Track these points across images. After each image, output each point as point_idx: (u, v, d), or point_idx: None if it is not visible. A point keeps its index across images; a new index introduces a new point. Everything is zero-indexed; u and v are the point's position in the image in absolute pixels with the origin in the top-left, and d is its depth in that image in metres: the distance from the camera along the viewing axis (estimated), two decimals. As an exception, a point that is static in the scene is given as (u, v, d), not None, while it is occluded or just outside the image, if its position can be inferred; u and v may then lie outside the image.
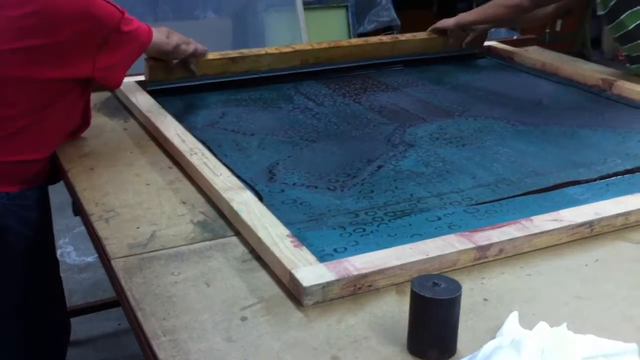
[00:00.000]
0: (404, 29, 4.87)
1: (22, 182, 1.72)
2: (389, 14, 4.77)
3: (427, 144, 1.86)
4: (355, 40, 2.48)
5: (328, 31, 4.58)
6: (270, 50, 2.30)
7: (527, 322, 1.06)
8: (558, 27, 5.96)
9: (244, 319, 1.09)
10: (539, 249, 1.31)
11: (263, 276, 1.21)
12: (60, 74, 1.64)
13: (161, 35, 1.92)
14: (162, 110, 1.92)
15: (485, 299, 1.16)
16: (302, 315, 1.11)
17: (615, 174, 1.66)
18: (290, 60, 2.32)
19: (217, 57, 2.20)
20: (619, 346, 0.99)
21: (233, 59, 2.22)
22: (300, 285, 1.13)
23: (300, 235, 1.33)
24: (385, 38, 2.52)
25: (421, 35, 2.54)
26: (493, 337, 1.04)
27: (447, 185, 1.60)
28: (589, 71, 2.40)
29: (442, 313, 0.99)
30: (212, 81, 2.25)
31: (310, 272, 1.16)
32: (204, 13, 4.01)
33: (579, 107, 2.18)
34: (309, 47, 2.37)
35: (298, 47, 2.37)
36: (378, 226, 1.42)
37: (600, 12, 2.29)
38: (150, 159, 1.70)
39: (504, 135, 1.92)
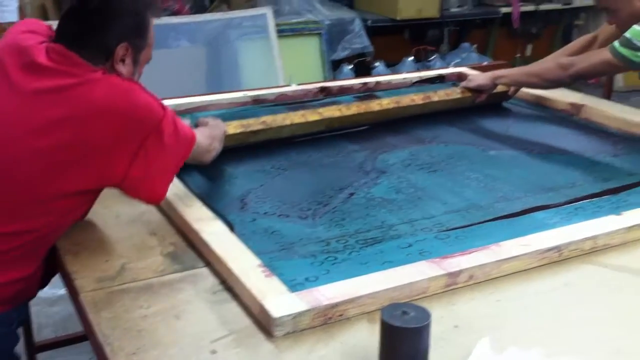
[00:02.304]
0: (377, 55, 4.92)
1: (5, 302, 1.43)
2: (362, 41, 4.81)
3: (398, 170, 1.87)
4: (387, 102, 2.20)
5: (302, 58, 4.61)
6: (296, 118, 2.05)
7: (498, 348, 1.06)
8: (529, 52, 6.06)
9: (213, 352, 1.09)
10: (508, 274, 1.32)
11: (233, 307, 1.21)
12: (85, 184, 1.38)
13: (204, 138, 1.62)
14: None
15: (456, 326, 1.17)
16: (272, 347, 1.10)
17: (583, 198, 1.68)
18: (316, 127, 2.08)
19: (238, 130, 1.93)
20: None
21: (255, 132, 1.96)
22: (270, 315, 1.12)
23: (272, 265, 1.32)
24: (417, 98, 2.26)
25: (454, 94, 2.35)
26: (463, 365, 1.04)
27: (418, 212, 1.61)
28: (558, 96, 2.44)
29: (412, 341, 0.99)
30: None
31: (281, 302, 1.16)
32: (178, 42, 4.02)
33: (548, 132, 2.21)
34: (338, 113, 2.11)
35: (326, 112, 2.09)
36: (349, 254, 1.42)
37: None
38: (120, 191, 1.69)
39: (475, 160, 1.94)
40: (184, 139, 1.47)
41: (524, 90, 2.50)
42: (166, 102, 2.27)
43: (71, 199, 1.39)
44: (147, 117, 1.36)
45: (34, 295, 1.52)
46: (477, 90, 2.36)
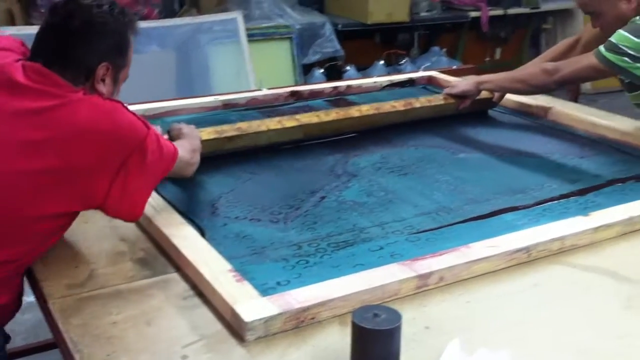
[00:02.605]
0: (348, 59, 4.94)
1: None
2: (332, 45, 4.83)
3: (369, 173, 1.88)
4: (366, 108, 2.14)
5: (273, 63, 4.61)
6: (272, 124, 1.98)
7: (468, 349, 1.07)
8: (498, 56, 6.12)
9: (184, 357, 1.08)
10: (478, 276, 1.33)
11: (205, 313, 1.20)
12: (68, 206, 1.34)
13: (186, 152, 1.60)
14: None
15: (427, 327, 1.17)
16: (244, 352, 1.10)
17: (551, 199, 1.70)
18: (294, 133, 2.01)
19: (212, 136, 1.88)
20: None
21: (230, 138, 1.91)
22: (242, 320, 1.12)
23: (243, 270, 1.32)
24: (398, 105, 2.19)
25: (436, 100, 2.29)
26: (434, 366, 1.05)
27: (389, 215, 1.62)
28: (525, 98, 2.47)
29: (383, 343, 1.00)
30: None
31: (252, 306, 1.15)
32: (148, 47, 3.99)
33: (516, 135, 2.24)
34: (316, 120, 2.04)
35: (303, 119, 2.03)
36: (321, 257, 1.42)
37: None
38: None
39: (444, 163, 1.96)
40: (166, 155, 1.44)
41: (494, 94, 2.53)
42: (136, 107, 2.27)
43: (53, 222, 1.35)
44: (130, 136, 1.34)
45: (9, 320, 1.45)
46: (460, 97, 2.31)
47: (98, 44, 1.38)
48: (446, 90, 2.35)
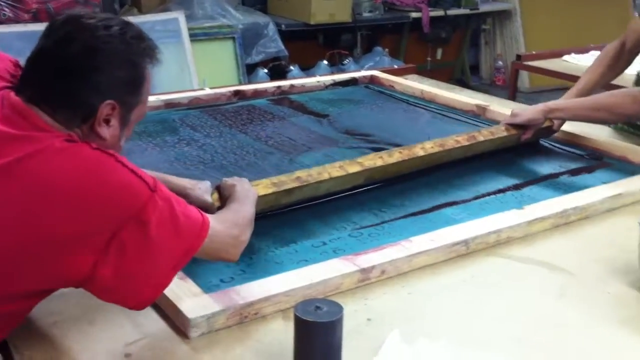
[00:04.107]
0: (292, 59, 4.96)
1: None
2: (276, 45, 4.84)
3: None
4: (430, 145, 1.89)
5: (217, 63, 4.59)
6: (334, 171, 1.68)
7: (408, 340, 1.10)
8: (439, 56, 6.23)
9: (127, 355, 1.08)
10: (418, 268, 1.36)
11: (147, 311, 1.19)
12: (38, 284, 1.06)
13: (226, 227, 1.21)
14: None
15: (369, 319, 1.20)
16: (187, 348, 1.11)
17: (489, 194, 1.75)
18: (355, 179, 1.73)
19: (270, 190, 1.56)
20: (492, 357, 1.04)
21: (288, 191, 1.60)
22: (185, 317, 1.12)
23: (186, 268, 1.31)
24: (461, 139, 1.96)
25: (500, 132, 2.04)
26: (376, 356, 1.07)
27: (332, 212, 1.64)
28: (464, 98, 2.53)
29: (325, 336, 1.02)
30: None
31: (195, 303, 1.16)
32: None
33: (455, 132, 2.28)
34: (380, 162, 1.77)
35: (366, 162, 1.75)
36: (265, 254, 1.44)
37: None
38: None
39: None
40: (186, 228, 1.09)
41: (434, 94, 2.57)
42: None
43: (21, 302, 1.08)
44: (121, 202, 1.02)
45: None
46: (522, 126, 2.06)
47: (102, 76, 1.08)
48: (508, 120, 2.09)
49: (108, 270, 1.02)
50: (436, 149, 1.89)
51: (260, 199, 1.48)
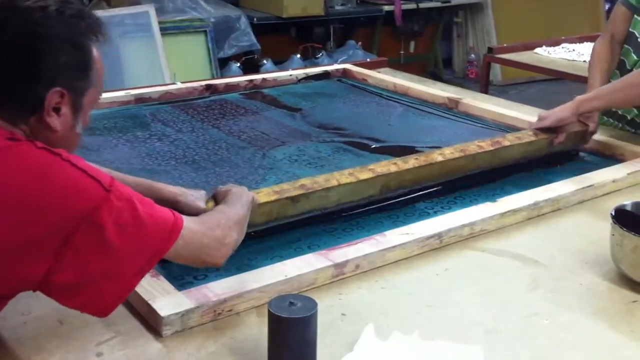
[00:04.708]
0: (265, 53, 4.94)
1: None
2: (248, 39, 4.82)
3: (286, 166, 1.89)
4: (450, 151, 1.75)
5: (188, 57, 4.56)
6: (343, 178, 1.57)
7: (383, 333, 1.10)
8: (412, 49, 6.26)
9: (99, 354, 1.06)
10: (392, 262, 1.36)
11: (120, 309, 1.16)
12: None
13: (207, 227, 1.14)
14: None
15: (343, 314, 1.20)
16: (160, 346, 1.09)
17: (462, 188, 1.75)
18: (368, 188, 1.61)
19: (273, 198, 1.45)
20: (464, 349, 1.05)
21: (293, 199, 1.49)
22: (158, 315, 1.11)
23: (158, 265, 1.30)
24: (484, 144, 1.82)
25: (527, 137, 1.90)
26: (351, 351, 1.07)
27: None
28: (436, 91, 2.53)
29: (300, 331, 1.01)
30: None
31: (168, 301, 1.15)
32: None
33: (428, 125, 2.29)
34: (395, 168, 1.64)
35: (379, 168, 1.63)
36: (238, 251, 1.42)
37: None
38: None
39: (361, 154, 1.99)
40: (152, 230, 1.03)
41: (407, 87, 2.57)
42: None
43: None
44: (69, 204, 0.96)
45: None
46: (552, 130, 1.92)
47: (44, 63, 1.00)
48: (534, 125, 1.95)
49: (64, 276, 0.97)
50: (456, 154, 1.75)
51: (264, 208, 1.42)
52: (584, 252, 1.43)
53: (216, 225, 1.15)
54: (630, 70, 2.08)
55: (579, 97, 1.92)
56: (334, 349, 1.08)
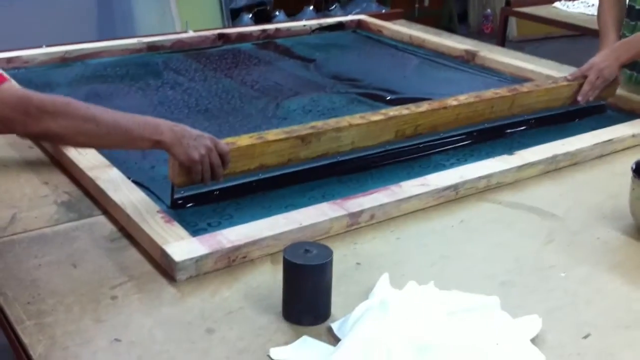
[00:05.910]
0: (277, 5, 4.86)
1: None
2: (261, -10, 4.75)
3: (299, 116, 1.86)
4: (465, 97, 1.70)
5: (200, 7, 4.48)
6: (355, 120, 1.54)
7: (397, 283, 1.09)
8: (427, 3, 6.15)
9: (114, 297, 1.06)
10: (408, 213, 1.35)
11: (133, 254, 1.18)
12: None
13: (26, 97, 1.12)
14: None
15: (358, 263, 1.19)
16: (175, 291, 1.09)
17: (478, 140, 1.73)
18: (382, 133, 1.58)
19: (282, 136, 1.43)
20: (481, 300, 1.04)
21: (303, 138, 1.45)
22: (172, 260, 1.11)
23: (173, 212, 1.30)
24: (502, 91, 1.76)
25: (548, 84, 1.83)
26: (365, 300, 1.06)
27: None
28: (453, 43, 2.49)
29: (314, 279, 1.00)
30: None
31: (182, 247, 1.14)
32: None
33: (444, 78, 2.26)
34: (407, 112, 1.61)
35: (391, 112, 1.60)
36: (252, 199, 1.41)
37: None
38: (8, 139, 1.60)
39: (375, 106, 1.96)
40: None
41: (423, 39, 2.53)
42: (53, 49, 2.17)
43: None
44: None
45: None
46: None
47: None
48: (571, 75, 1.88)
49: None
50: (471, 99, 1.69)
51: (274, 146, 1.41)
52: (601, 207, 1.41)
53: (41, 106, 1.10)
54: None
55: (615, 47, 1.87)
56: (348, 297, 1.08)
